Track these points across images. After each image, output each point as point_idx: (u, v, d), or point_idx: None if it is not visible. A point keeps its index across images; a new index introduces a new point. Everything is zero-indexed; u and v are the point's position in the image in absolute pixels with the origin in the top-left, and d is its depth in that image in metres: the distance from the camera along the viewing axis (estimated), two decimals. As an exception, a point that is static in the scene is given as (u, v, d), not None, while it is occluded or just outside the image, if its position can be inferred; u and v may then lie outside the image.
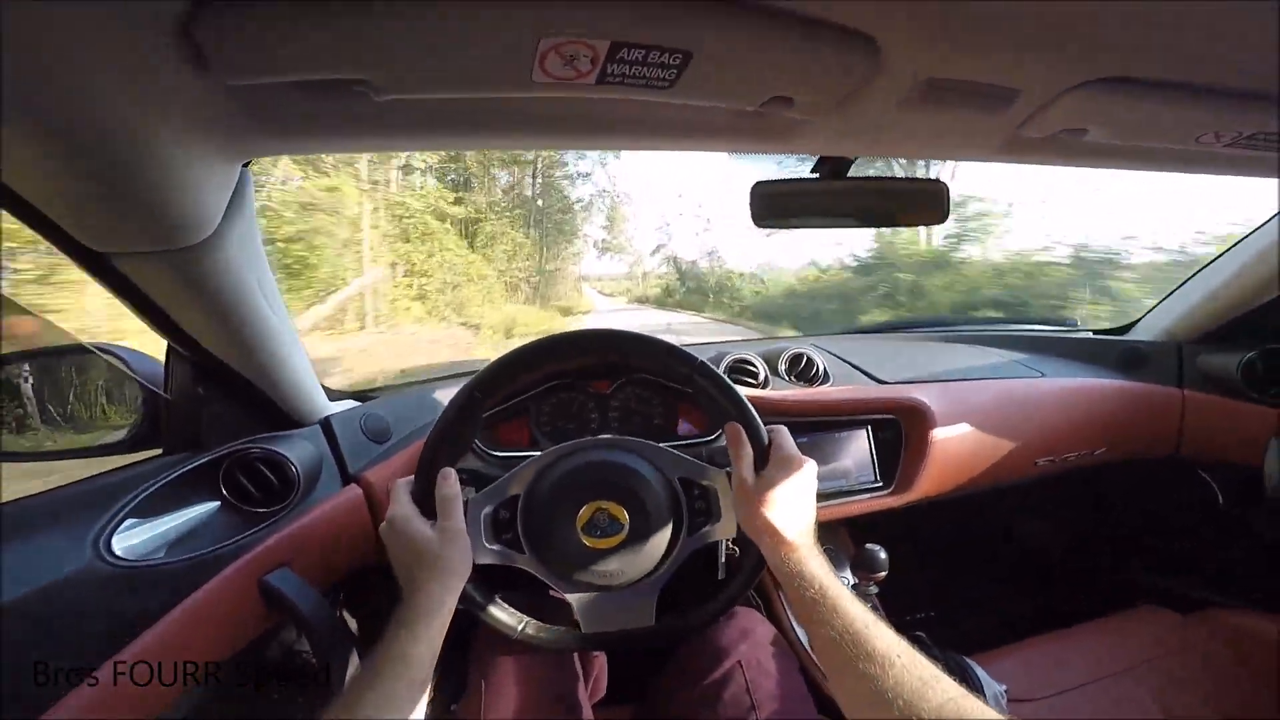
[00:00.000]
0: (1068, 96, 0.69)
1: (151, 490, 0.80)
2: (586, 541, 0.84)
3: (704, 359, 0.86)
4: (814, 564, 0.73)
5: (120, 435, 0.92)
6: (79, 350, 0.97)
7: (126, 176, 0.57)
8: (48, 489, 0.77)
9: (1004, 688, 1.06)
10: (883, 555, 1.15)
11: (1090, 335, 1.76)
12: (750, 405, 0.84)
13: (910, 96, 0.68)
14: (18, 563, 0.66)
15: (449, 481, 0.80)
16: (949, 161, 0.96)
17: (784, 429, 0.84)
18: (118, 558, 0.72)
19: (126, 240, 0.66)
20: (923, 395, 1.30)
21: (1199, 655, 1.18)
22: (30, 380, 0.93)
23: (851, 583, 1.19)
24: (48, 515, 0.73)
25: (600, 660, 1.11)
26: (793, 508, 0.78)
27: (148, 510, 0.80)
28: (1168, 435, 1.51)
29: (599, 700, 1.08)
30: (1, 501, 0.73)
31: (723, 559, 1.15)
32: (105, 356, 0.90)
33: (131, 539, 0.76)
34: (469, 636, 1.00)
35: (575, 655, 1.01)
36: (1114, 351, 1.60)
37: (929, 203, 0.95)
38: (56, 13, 0.41)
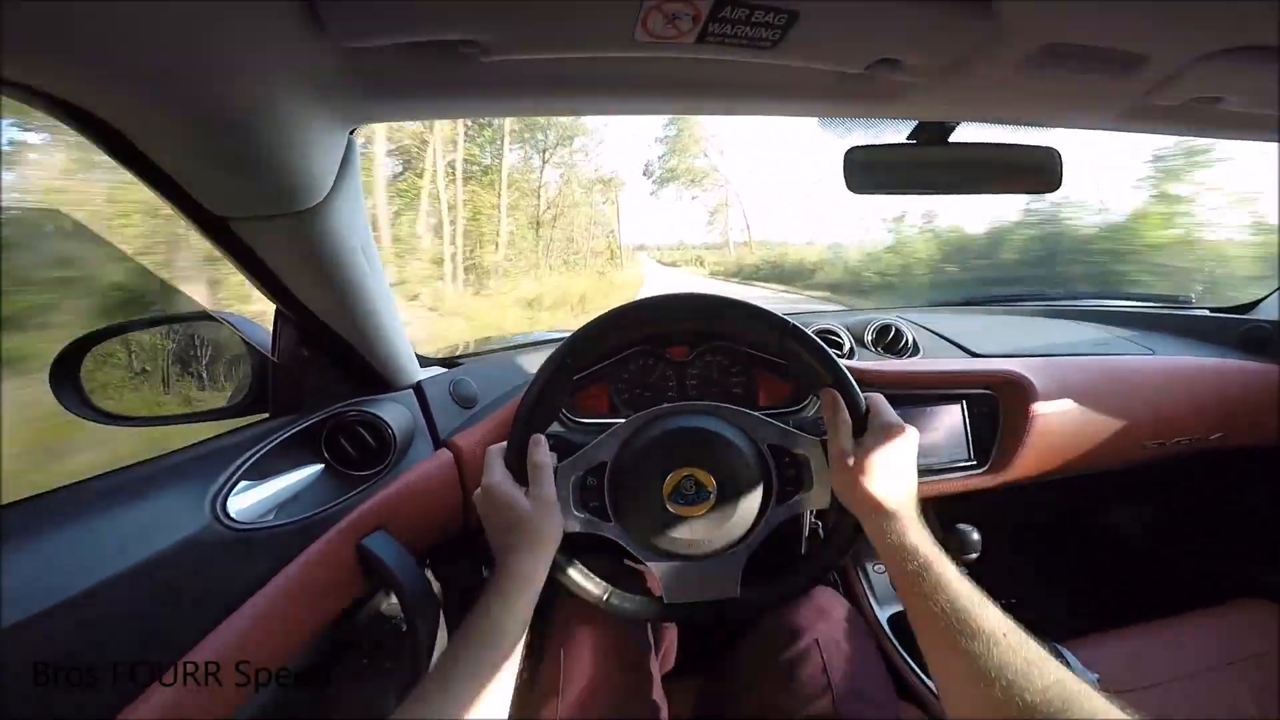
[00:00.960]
0: (1202, 64, 0.64)
1: (261, 453, 0.84)
2: (673, 509, 0.83)
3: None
4: (916, 535, 0.71)
5: (232, 399, 0.97)
6: (195, 317, 1.02)
7: (248, 141, 0.59)
8: (164, 453, 0.81)
9: (1095, 676, 1.02)
10: (975, 536, 1.11)
11: (1207, 313, 1.63)
12: (845, 370, 0.82)
13: (1026, 61, 0.64)
14: (141, 525, 0.69)
15: (541, 449, 0.80)
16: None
17: (880, 396, 0.82)
18: (233, 519, 0.75)
19: (246, 204, 0.69)
20: (1022, 369, 1.23)
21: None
22: (148, 346, 1.00)
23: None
24: (166, 478, 0.76)
25: (671, 632, 1.11)
26: (894, 477, 0.76)
27: (258, 473, 0.83)
28: None
29: (668, 671, 1.09)
30: (124, 465, 0.77)
31: (806, 532, 1.13)
32: (217, 322, 0.95)
33: (244, 501, 0.79)
34: (549, 603, 1.02)
35: (649, 626, 1.02)
36: (1234, 331, 1.49)
37: (1040, 171, 0.90)
38: None
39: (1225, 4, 0.55)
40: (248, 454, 0.83)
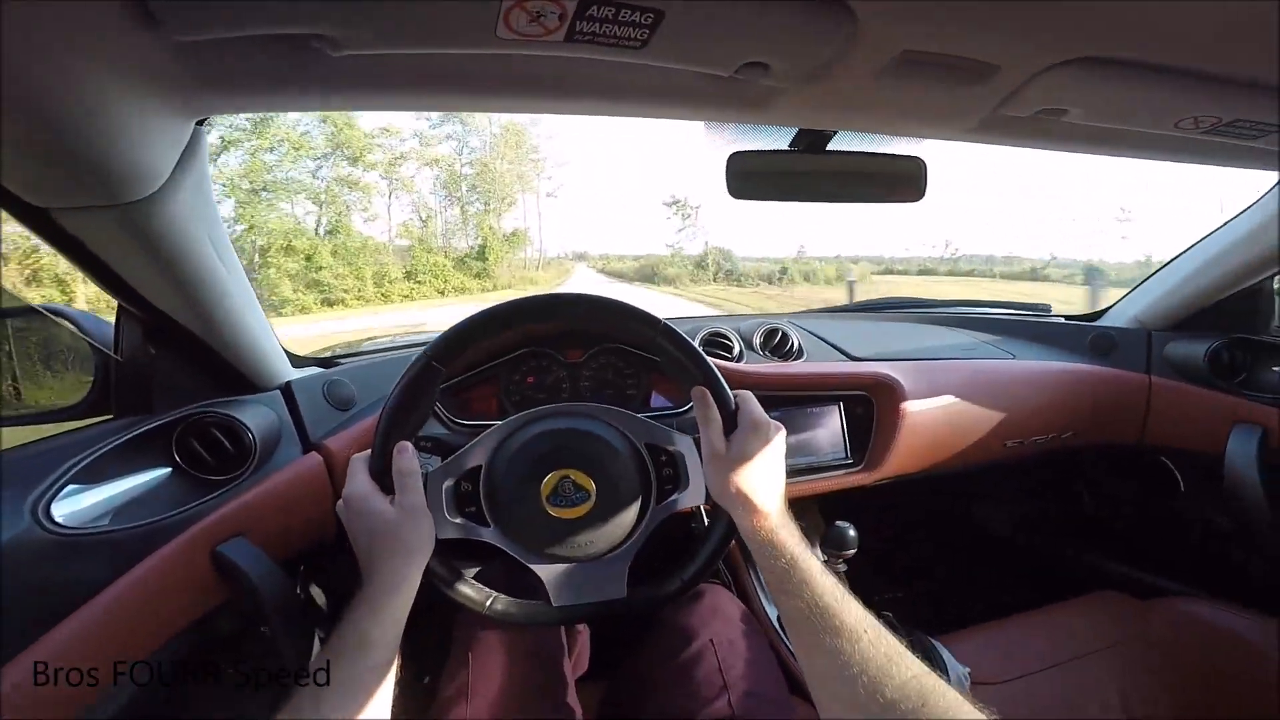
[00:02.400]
0: (1047, 75, 0.68)
1: (98, 455, 0.77)
2: (552, 511, 0.81)
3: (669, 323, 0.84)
4: (785, 533, 0.72)
5: (71, 400, 0.89)
6: (28, 312, 0.93)
7: (66, 130, 0.54)
8: None
9: (967, 669, 1.07)
10: (852, 533, 1.16)
11: (1062, 320, 1.77)
12: (715, 368, 0.82)
13: (887, 69, 0.66)
14: None
15: (405, 456, 0.76)
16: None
17: (750, 394, 0.82)
18: (58, 524, 0.69)
19: (66, 195, 0.63)
20: (893, 371, 1.30)
21: (1158, 642, 1.19)
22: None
23: (821, 559, 1.19)
24: None
25: (583, 636, 1.11)
26: (764, 474, 0.76)
27: (93, 476, 0.76)
28: (1133, 421, 1.52)
29: (581, 675, 1.08)
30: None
31: (695, 528, 1.14)
32: (54, 318, 0.87)
33: (74, 505, 0.73)
34: (452, 609, 0.99)
35: (560, 633, 1.01)
36: (1085, 337, 1.61)
37: (906, 181, 0.95)
38: None
39: (1069, 16, 0.58)
40: (80, 456, 0.76)
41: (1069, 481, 1.83)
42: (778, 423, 0.81)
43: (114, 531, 0.74)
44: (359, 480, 0.76)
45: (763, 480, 0.76)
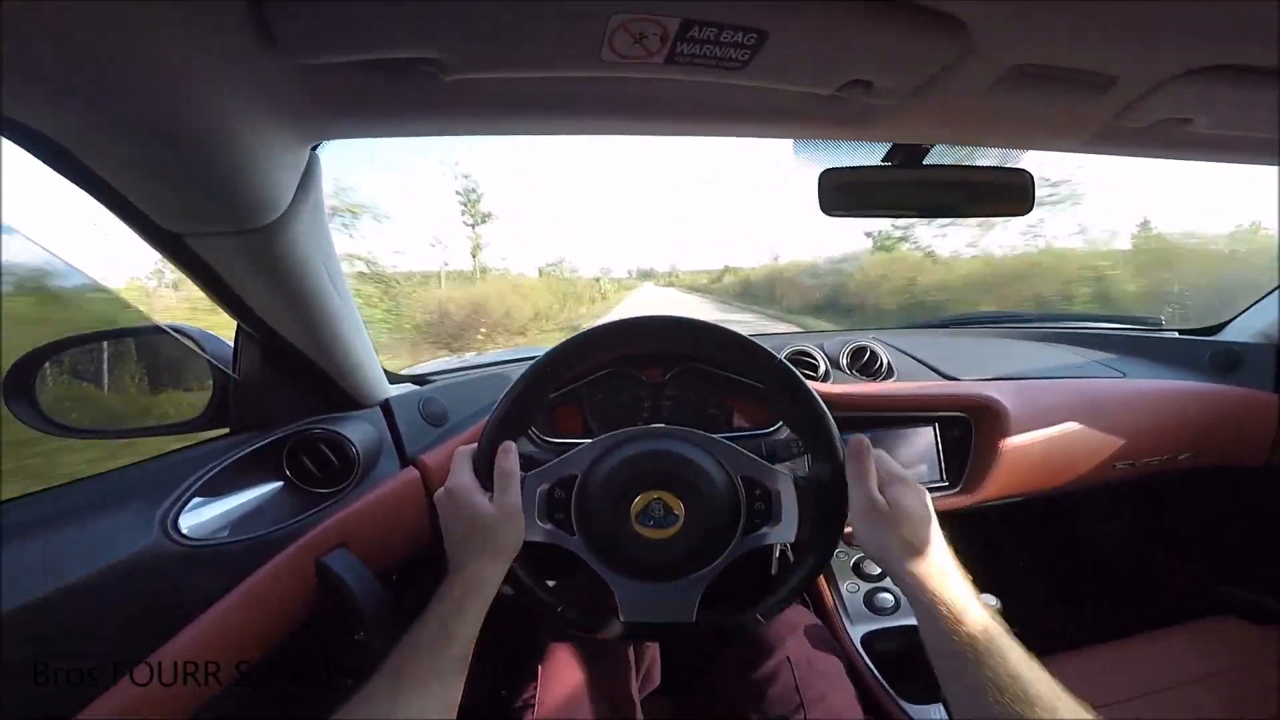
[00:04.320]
0: (1170, 85, 0.64)
1: (218, 470, 0.82)
2: (639, 530, 0.82)
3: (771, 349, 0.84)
4: (964, 594, 0.68)
5: (191, 415, 0.94)
6: (154, 331, 0.99)
7: (200, 157, 0.58)
8: (118, 467, 0.79)
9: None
10: (994, 604, 1.01)
11: (1176, 335, 1.66)
12: (829, 416, 0.82)
13: (998, 83, 0.64)
14: (88, 540, 0.67)
15: (509, 456, 0.79)
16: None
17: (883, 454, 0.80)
18: (184, 536, 0.73)
19: (200, 220, 0.67)
20: (995, 393, 1.24)
21: (1274, 669, 1.11)
22: (107, 359, 0.97)
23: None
24: (117, 493, 0.74)
25: (654, 650, 1.10)
26: (921, 525, 0.73)
27: (214, 489, 0.81)
28: (1261, 442, 1.41)
29: (652, 690, 1.08)
30: (77, 479, 0.75)
31: (775, 563, 1.12)
32: (178, 337, 0.92)
33: (198, 518, 0.77)
34: (529, 626, 1.00)
35: (630, 646, 1.01)
36: (1203, 353, 1.51)
37: (1012, 193, 0.91)
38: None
39: (1192, 26, 0.55)
40: (203, 470, 0.81)
41: (1184, 502, 1.71)
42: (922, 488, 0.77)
43: (232, 543, 0.78)
44: (463, 474, 0.78)
45: (922, 532, 0.72)
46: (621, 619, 0.85)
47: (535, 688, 0.91)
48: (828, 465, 0.82)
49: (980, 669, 0.61)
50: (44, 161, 0.56)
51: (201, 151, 0.57)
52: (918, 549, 0.71)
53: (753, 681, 0.91)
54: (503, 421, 0.81)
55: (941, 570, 0.70)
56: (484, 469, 0.79)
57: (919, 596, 0.69)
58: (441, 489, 0.79)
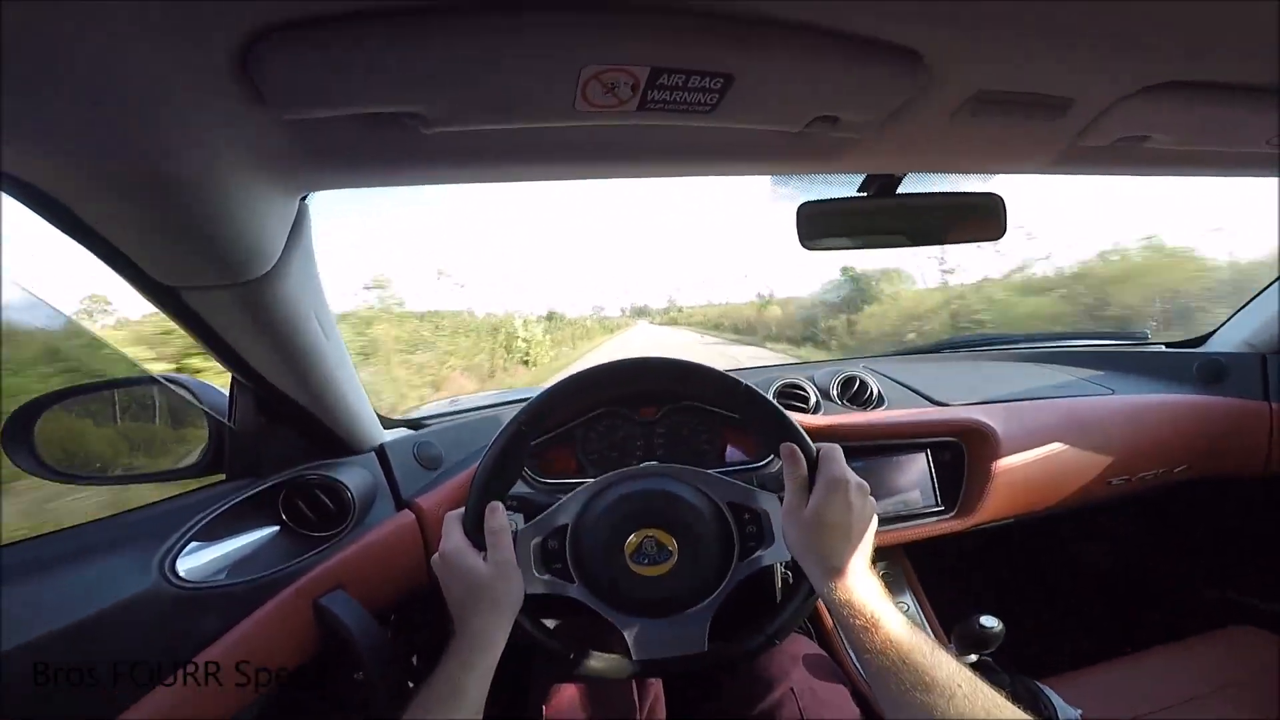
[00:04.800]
0: (1124, 103, 0.67)
1: (215, 515, 0.83)
2: (635, 569, 0.83)
3: (751, 384, 0.86)
4: (862, 590, 0.70)
5: (188, 462, 0.95)
6: (150, 381, 1.01)
7: (192, 211, 0.59)
8: (117, 513, 0.81)
9: (1079, 712, 1.00)
10: (997, 627, 0.96)
11: (1163, 348, 1.67)
12: (798, 426, 0.83)
13: (960, 110, 0.66)
14: (88, 583, 0.68)
15: (497, 515, 0.80)
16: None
17: (836, 447, 0.81)
18: (182, 579, 0.74)
19: (195, 275, 0.69)
20: (985, 416, 1.25)
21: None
22: (107, 409, 0.98)
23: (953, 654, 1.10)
24: (117, 538, 0.76)
25: (657, 688, 1.09)
26: (835, 531, 0.74)
27: (211, 534, 0.82)
28: (1256, 451, 1.42)
29: None
30: (76, 524, 0.77)
31: (780, 584, 1.12)
32: (174, 387, 0.94)
33: (195, 561, 0.78)
34: (529, 664, 0.99)
35: (632, 684, 1.01)
36: (1189, 365, 1.52)
37: (985, 218, 0.93)
38: (115, 56, 0.43)
39: (1138, 47, 0.58)
40: (200, 515, 0.82)
41: (1184, 514, 1.70)
42: (862, 480, 0.78)
43: (229, 585, 0.79)
44: (454, 537, 0.80)
45: (838, 539, 0.74)
46: (633, 657, 0.85)
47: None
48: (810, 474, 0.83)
49: (879, 658, 0.63)
50: (40, 215, 0.58)
51: (193, 205, 0.59)
52: (826, 554, 0.73)
53: (757, 715, 0.91)
54: (486, 482, 0.82)
55: (841, 573, 0.71)
56: (474, 530, 0.81)
57: (827, 598, 0.71)
58: (436, 555, 0.80)
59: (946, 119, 0.68)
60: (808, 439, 0.82)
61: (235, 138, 0.55)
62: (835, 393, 1.38)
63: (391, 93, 0.52)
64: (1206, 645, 1.23)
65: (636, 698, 1.01)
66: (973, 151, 0.81)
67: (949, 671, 0.60)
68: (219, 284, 0.69)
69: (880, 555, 1.35)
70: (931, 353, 1.84)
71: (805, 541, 0.75)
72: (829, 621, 1.27)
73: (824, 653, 1.04)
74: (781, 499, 0.82)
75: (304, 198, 0.75)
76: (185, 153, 0.54)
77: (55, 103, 0.45)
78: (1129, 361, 1.60)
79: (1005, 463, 1.22)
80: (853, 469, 0.79)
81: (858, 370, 1.43)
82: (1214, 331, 1.60)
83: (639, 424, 1.25)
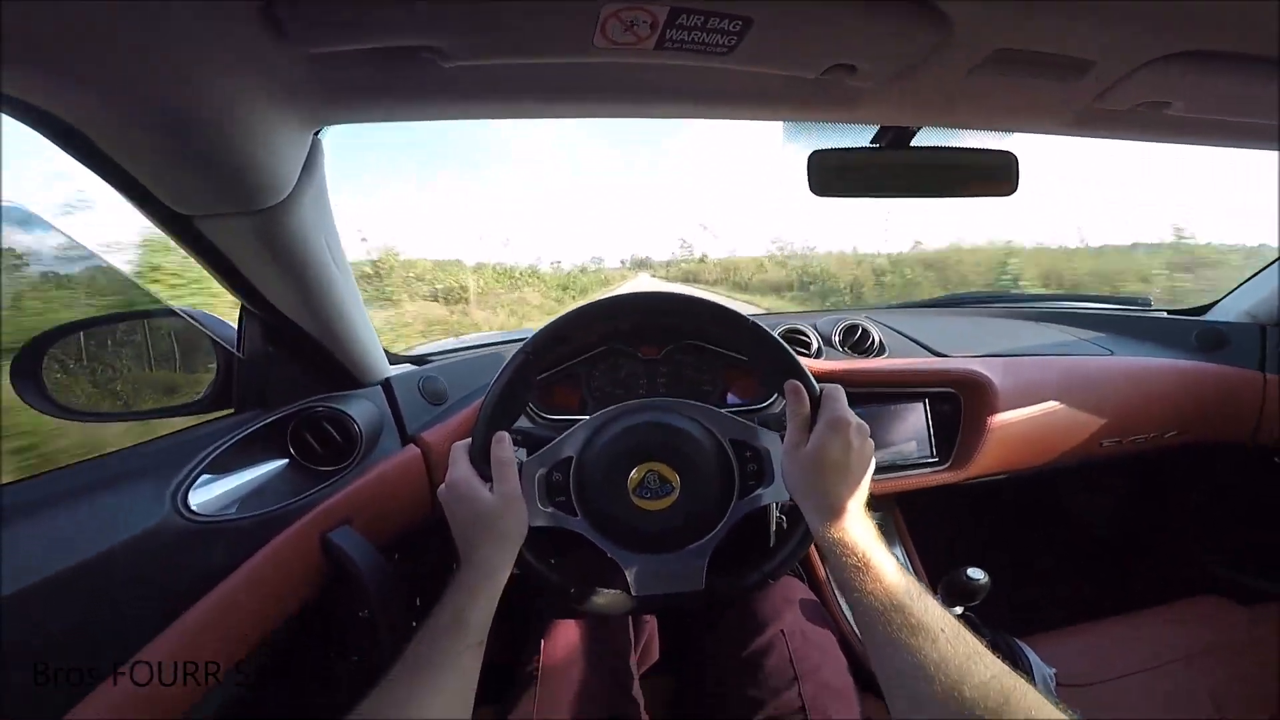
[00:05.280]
0: (1146, 69, 0.66)
1: (224, 448, 0.84)
2: (637, 503, 0.84)
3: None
4: (857, 530, 0.70)
5: (196, 395, 0.96)
6: (160, 313, 1.02)
7: (210, 141, 0.60)
8: (128, 445, 0.81)
9: (1053, 671, 1.04)
10: (983, 580, 1.00)
11: (1165, 315, 1.68)
12: (801, 363, 0.83)
13: (978, 66, 0.65)
14: (102, 516, 0.69)
15: (503, 445, 0.81)
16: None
17: (838, 388, 0.80)
18: (194, 512, 0.75)
19: (209, 203, 0.69)
20: (983, 369, 1.26)
21: (1259, 649, 1.14)
22: (112, 342, 0.99)
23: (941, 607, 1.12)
24: (128, 471, 0.76)
25: (652, 625, 1.13)
26: (834, 470, 0.74)
27: (221, 467, 0.83)
28: (1246, 420, 1.44)
29: (650, 666, 1.10)
30: (89, 459, 0.77)
31: (774, 525, 1.15)
32: (184, 318, 0.94)
33: (206, 495, 0.79)
34: (529, 598, 1.03)
35: (628, 621, 1.04)
36: (1190, 332, 1.53)
37: (998, 174, 0.92)
38: None
39: (1166, 12, 0.57)
40: (210, 448, 0.83)
41: (1169, 480, 1.74)
42: (862, 422, 0.78)
43: (240, 519, 0.80)
44: (461, 467, 0.80)
45: (834, 477, 0.74)
46: (632, 593, 0.87)
47: (538, 661, 0.93)
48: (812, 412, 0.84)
49: (868, 599, 0.63)
50: (56, 143, 0.58)
51: (211, 137, 0.59)
52: (822, 493, 0.73)
53: (748, 655, 0.93)
54: (493, 412, 0.83)
55: (839, 511, 0.71)
56: (480, 460, 0.81)
57: (820, 537, 0.72)
58: (442, 485, 0.81)
59: (964, 74, 0.67)
60: (811, 378, 0.82)
61: (256, 71, 0.55)
62: (837, 339, 1.38)
63: (412, 27, 0.52)
64: (1176, 613, 1.27)
65: (633, 634, 1.03)
66: (988, 108, 0.80)
67: (935, 616, 0.60)
68: (233, 212, 0.69)
69: (873, 504, 1.37)
70: (933, 307, 1.85)
71: (804, 479, 0.75)
72: (820, 570, 1.31)
73: (815, 597, 1.06)
74: (783, 438, 0.83)
75: (318, 132, 0.74)
76: (205, 85, 0.53)
77: (77, 33, 0.44)
78: (1130, 326, 1.61)
79: (1001, 417, 1.23)
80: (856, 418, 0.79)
81: (860, 319, 1.44)
82: (1216, 301, 1.61)
83: (642, 362, 1.25)
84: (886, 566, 0.66)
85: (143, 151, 0.60)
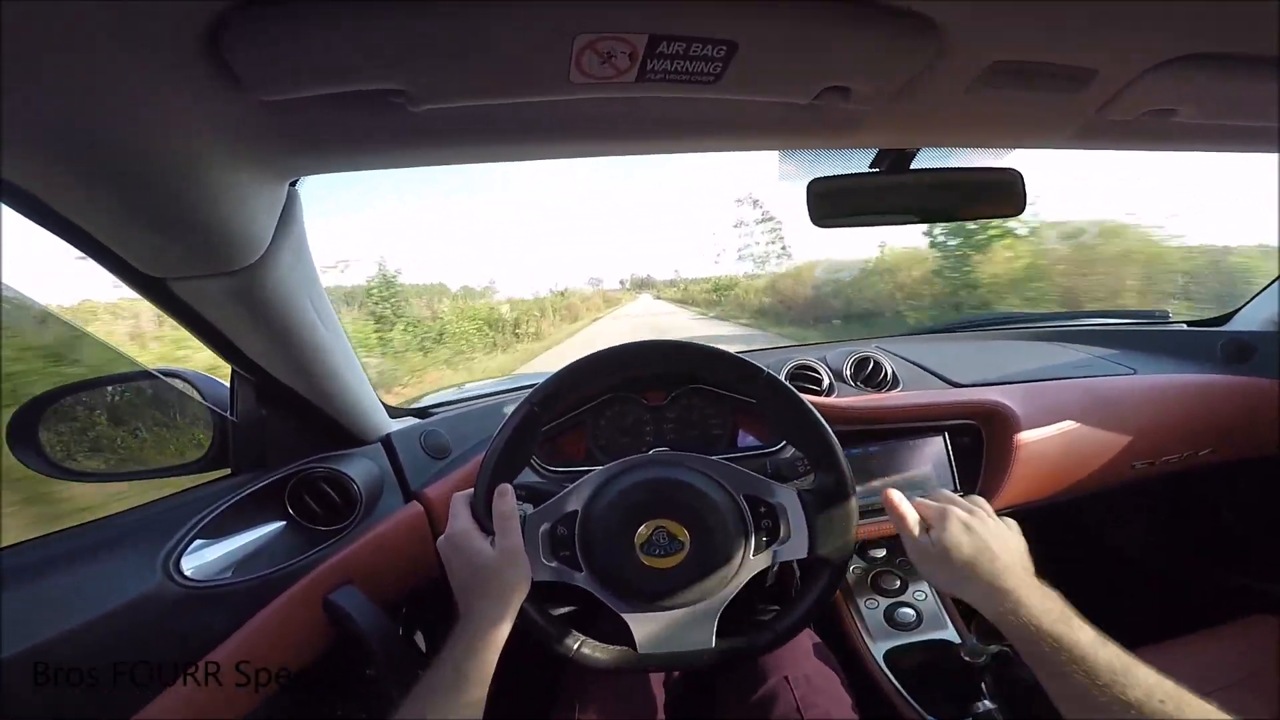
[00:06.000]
0: (1151, 75, 0.64)
1: (219, 511, 0.82)
2: (645, 561, 0.80)
3: (767, 367, 0.84)
4: (1037, 611, 0.65)
5: (193, 457, 0.94)
6: (149, 376, 1.00)
7: (174, 200, 0.58)
8: (120, 511, 0.80)
9: None
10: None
11: (1185, 327, 1.62)
12: (819, 415, 0.82)
13: (976, 81, 0.63)
14: (91, 584, 0.67)
15: (506, 499, 0.78)
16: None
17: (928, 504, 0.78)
18: (187, 578, 0.73)
19: (181, 265, 0.67)
20: (1003, 397, 1.22)
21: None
22: (110, 404, 0.97)
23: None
24: (120, 537, 0.75)
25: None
26: (980, 556, 0.71)
27: (216, 530, 0.81)
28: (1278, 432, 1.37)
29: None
30: (78, 525, 0.76)
31: (770, 579, 1.10)
32: (173, 382, 0.93)
33: (200, 559, 0.77)
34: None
35: (650, 677, 1.01)
36: (1214, 344, 1.47)
37: (1002, 194, 0.90)
38: (80, 42, 0.41)
39: (1166, 16, 0.55)
40: (204, 512, 0.81)
41: (1210, 499, 1.66)
42: (971, 500, 0.78)
43: (236, 583, 0.78)
44: (461, 519, 0.78)
45: (982, 563, 0.70)
46: (640, 650, 0.83)
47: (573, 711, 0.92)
48: (831, 475, 0.82)
49: (1066, 682, 0.60)
50: (17, 210, 0.56)
51: (174, 194, 0.57)
52: (975, 577, 0.69)
53: (754, 703, 0.91)
54: (496, 465, 0.80)
55: (1008, 593, 0.67)
56: (482, 513, 0.79)
57: (1000, 623, 0.67)
58: (443, 536, 0.79)
59: (962, 91, 0.65)
60: (831, 435, 0.81)
61: (213, 122, 0.53)
62: (849, 374, 1.35)
63: (370, 69, 0.49)
64: (1228, 636, 1.20)
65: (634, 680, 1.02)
66: (989, 125, 0.78)
67: (1147, 687, 0.57)
68: (207, 274, 0.68)
69: (889, 544, 1.33)
70: (944, 332, 1.81)
71: (946, 576, 0.72)
72: (846, 614, 1.25)
73: (819, 639, 1.04)
74: (799, 492, 0.82)
75: (293, 184, 0.73)
76: (161, 140, 0.52)
77: (20, 94, 0.43)
78: (1150, 341, 1.56)
79: (1025, 446, 1.19)
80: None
81: (871, 351, 1.40)
82: (1237, 310, 1.55)
83: (648, 409, 1.22)
84: (1081, 641, 0.62)
85: (105, 213, 0.58)
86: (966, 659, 0.96)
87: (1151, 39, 0.59)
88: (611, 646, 0.84)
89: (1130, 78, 0.64)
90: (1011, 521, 0.77)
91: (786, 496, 0.83)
